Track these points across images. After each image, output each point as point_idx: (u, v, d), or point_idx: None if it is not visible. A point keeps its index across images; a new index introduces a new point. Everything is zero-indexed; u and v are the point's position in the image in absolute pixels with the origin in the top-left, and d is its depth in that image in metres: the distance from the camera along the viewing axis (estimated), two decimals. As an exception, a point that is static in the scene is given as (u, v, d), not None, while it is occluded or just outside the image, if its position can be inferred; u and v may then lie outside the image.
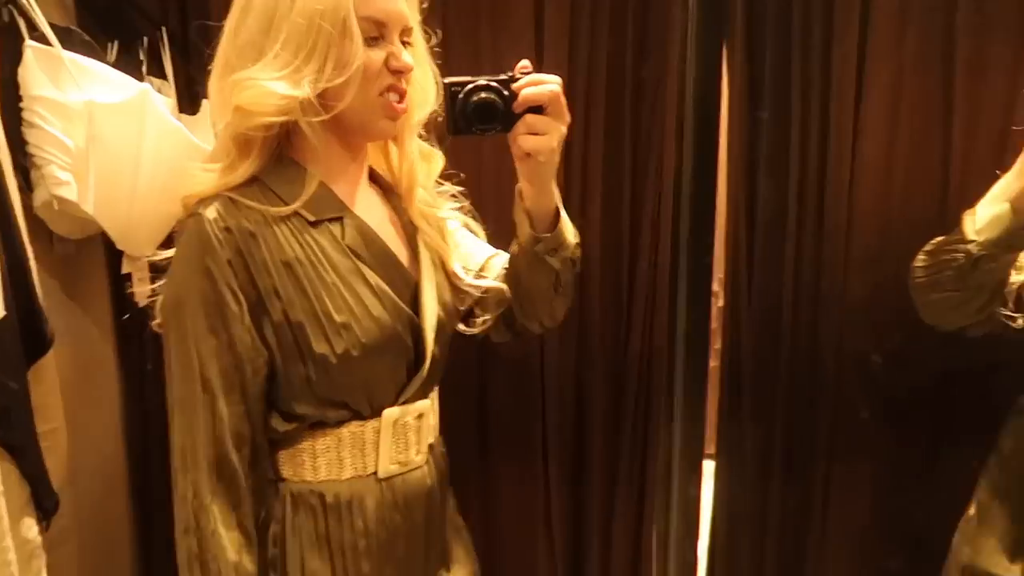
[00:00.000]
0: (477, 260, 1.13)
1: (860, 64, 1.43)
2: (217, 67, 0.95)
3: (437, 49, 1.07)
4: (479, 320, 1.12)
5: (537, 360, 1.57)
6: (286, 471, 0.99)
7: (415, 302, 1.02)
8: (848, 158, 1.45)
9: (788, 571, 1.62)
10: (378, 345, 0.96)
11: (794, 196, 1.48)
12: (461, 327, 1.11)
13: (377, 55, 0.95)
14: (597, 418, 1.59)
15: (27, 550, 1.00)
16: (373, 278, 0.98)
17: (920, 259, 1.20)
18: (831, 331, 1.52)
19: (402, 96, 0.98)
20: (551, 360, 1.56)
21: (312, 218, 0.95)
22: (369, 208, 1.03)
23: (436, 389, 1.10)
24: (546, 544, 1.64)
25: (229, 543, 0.92)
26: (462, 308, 1.11)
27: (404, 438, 1.02)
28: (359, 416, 0.99)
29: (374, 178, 1.08)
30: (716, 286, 1.60)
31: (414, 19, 1.01)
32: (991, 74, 1.39)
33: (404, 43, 0.99)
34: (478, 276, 1.12)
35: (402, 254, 1.04)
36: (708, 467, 1.65)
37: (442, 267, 1.09)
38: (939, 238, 1.19)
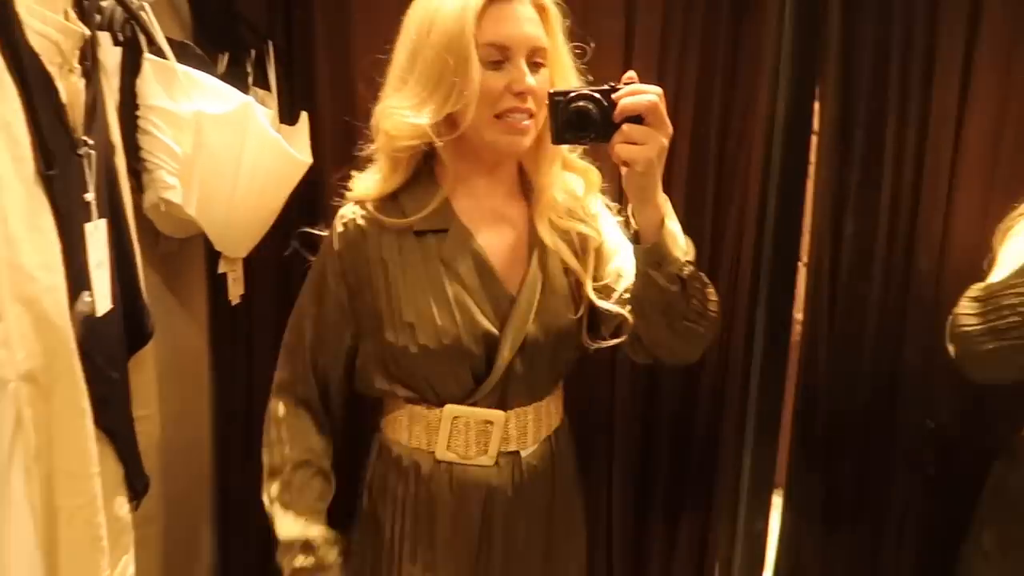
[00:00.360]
0: (625, 280, 1.12)
1: (960, 107, 1.37)
2: (383, 92, 1.09)
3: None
4: (605, 337, 1.14)
5: (608, 382, 1.57)
6: (381, 423, 1.21)
7: (506, 317, 1.10)
8: (943, 204, 1.40)
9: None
10: (436, 350, 1.08)
11: (883, 237, 1.43)
12: (592, 343, 1.15)
13: (498, 79, 1.03)
14: (664, 444, 1.58)
15: (117, 527, 1.07)
16: (453, 289, 1.08)
17: (968, 306, 1.11)
18: (913, 373, 1.47)
19: (529, 115, 1.05)
20: (622, 382, 1.56)
21: (418, 229, 1.10)
22: (494, 222, 1.13)
23: (534, 406, 1.16)
24: (604, 569, 1.64)
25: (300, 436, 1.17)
26: (585, 324, 1.15)
27: (464, 436, 1.13)
28: (425, 401, 1.14)
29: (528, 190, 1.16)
30: (797, 316, 1.57)
31: (552, 39, 1.06)
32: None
33: (536, 63, 1.05)
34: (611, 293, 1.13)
35: (510, 271, 1.11)
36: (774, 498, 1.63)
37: (564, 287, 1.14)
38: (984, 283, 1.11)
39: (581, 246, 1.15)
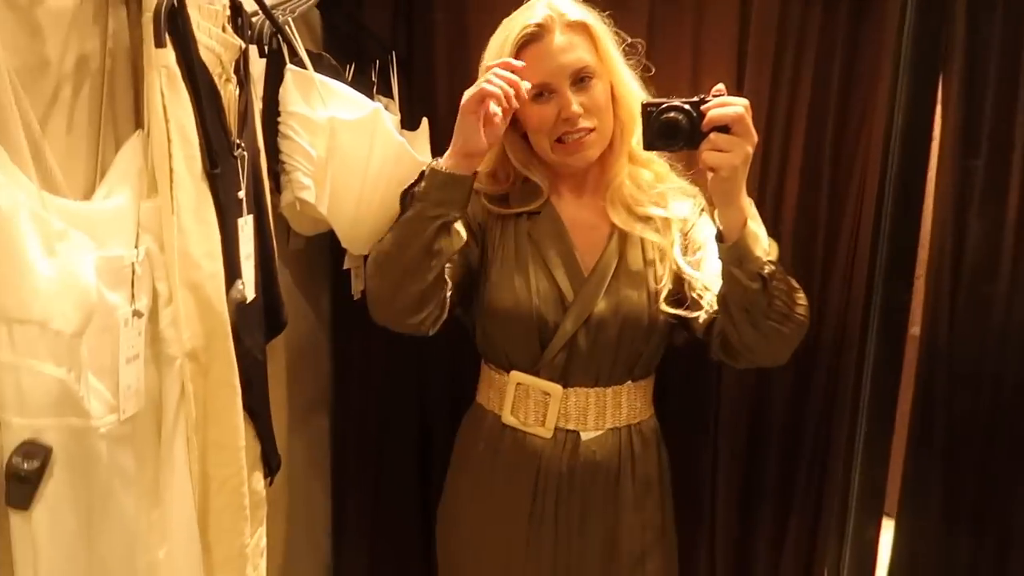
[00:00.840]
0: (710, 270, 1.20)
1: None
2: None
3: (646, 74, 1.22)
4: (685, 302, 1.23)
5: (714, 384, 1.57)
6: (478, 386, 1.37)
7: (578, 292, 1.22)
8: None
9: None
10: (512, 312, 1.23)
11: (1009, 242, 1.39)
12: (668, 308, 1.23)
13: (548, 110, 1.18)
14: (773, 450, 1.57)
15: (255, 500, 1.15)
16: (535, 263, 1.24)
17: None
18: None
19: (586, 131, 1.19)
20: (728, 384, 1.56)
21: (517, 211, 1.27)
22: (581, 212, 1.28)
23: (596, 390, 1.25)
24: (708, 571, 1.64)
25: None
26: (665, 312, 1.23)
27: (524, 403, 1.26)
28: (499, 365, 1.29)
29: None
30: (914, 330, 1.54)
31: (600, 50, 1.17)
32: None
33: (582, 80, 1.18)
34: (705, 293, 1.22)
35: (590, 254, 1.25)
36: (887, 525, 1.58)
37: (640, 276, 1.24)
38: None
39: (663, 226, 1.25)
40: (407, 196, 1.20)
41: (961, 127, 1.39)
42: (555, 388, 1.25)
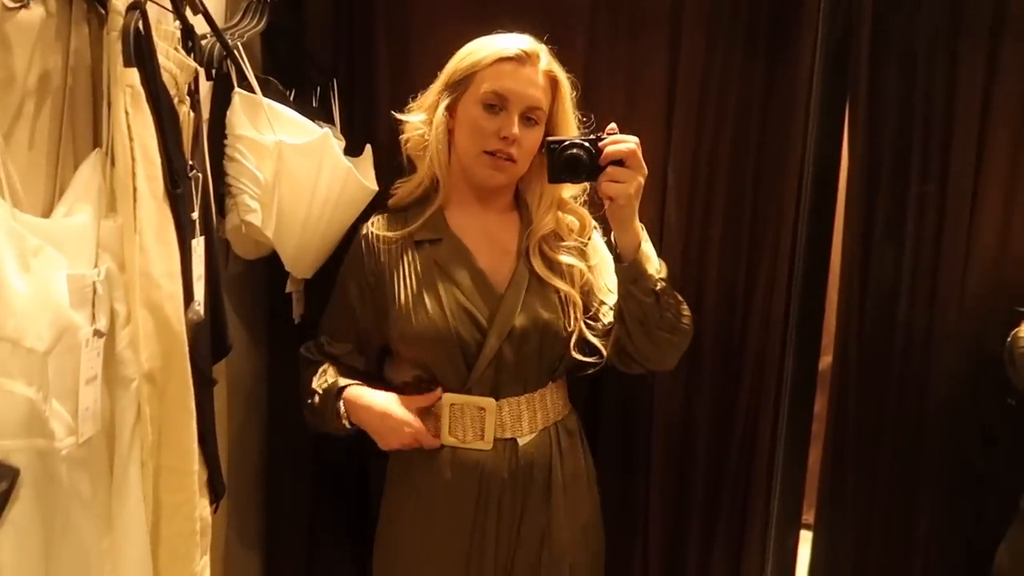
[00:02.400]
0: (613, 297, 1.33)
1: (979, 150, 1.48)
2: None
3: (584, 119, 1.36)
4: (595, 346, 1.34)
5: (647, 406, 1.63)
6: None
7: (495, 310, 1.28)
8: (964, 240, 1.49)
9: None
10: (432, 338, 1.27)
11: (908, 272, 1.52)
12: (580, 356, 1.33)
13: (492, 122, 1.26)
14: (701, 462, 1.65)
15: (200, 527, 1.12)
16: (446, 288, 1.29)
17: None
18: (938, 401, 1.55)
19: (510, 159, 1.27)
20: (660, 400, 1.63)
21: (418, 239, 1.33)
22: (486, 235, 1.35)
23: (526, 396, 1.32)
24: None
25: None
26: (573, 340, 1.32)
27: (461, 422, 1.30)
28: (430, 389, 1.32)
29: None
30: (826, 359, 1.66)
31: (559, 106, 1.30)
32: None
33: (530, 119, 1.28)
34: (601, 307, 1.35)
35: (499, 274, 1.32)
36: (805, 536, 1.68)
37: (551, 296, 1.32)
38: None
39: (570, 275, 1.35)
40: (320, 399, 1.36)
41: (865, 161, 1.53)
42: (488, 402, 1.30)
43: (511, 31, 1.31)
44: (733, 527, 1.65)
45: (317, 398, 1.35)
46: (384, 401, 1.32)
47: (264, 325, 1.63)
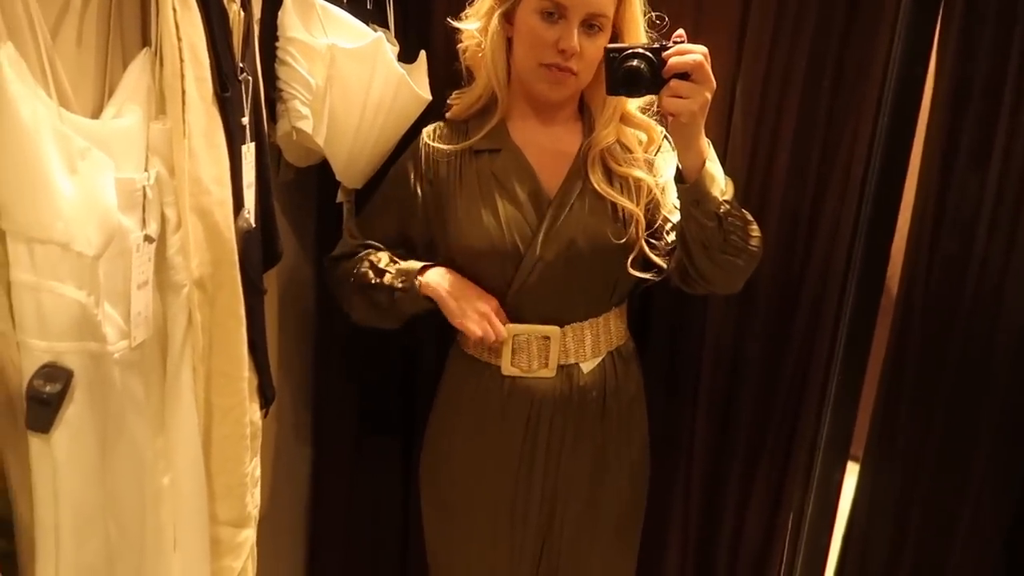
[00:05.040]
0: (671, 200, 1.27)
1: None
2: None
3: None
4: (654, 263, 1.28)
5: (699, 325, 1.60)
6: (457, 337, 1.38)
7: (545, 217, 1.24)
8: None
9: (926, 569, 1.60)
10: (483, 248, 1.25)
11: (988, 211, 1.43)
12: (635, 271, 1.27)
13: (550, 32, 1.17)
14: (750, 392, 1.62)
15: (252, 430, 1.15)
16: (501, 198, 1.25)
17: None
18: (1008, 340, 1.48)
19: (570, 72, 1.19)
20: (712, 328, 1.59)
21: (477, 148, 1.28)
22: (546, 145, 1.29)
23: (591, 322, 1.29)
24: (681, 510, 1.70)
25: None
26: (632, 254, 1.26)
27: (526, 352, 1.28)
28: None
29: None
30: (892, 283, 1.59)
31: (626, 9, 1.20)
32: None
33: (592, 26, 1.18)
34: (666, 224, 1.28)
35: (555, 182, 1.27)
36: (854, 469, 1.66)
37: (608, 207, 1.26)
38: None
39: (634, 189, 1.28)
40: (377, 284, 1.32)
41: (952, 85, 1.41)
42: (553, 330, 1.27)
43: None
44: (777, 457, 1.63)
45: (387, 276, 1.30)
46: (464, 279, 1.28)
47: (314, 234, 1.62)
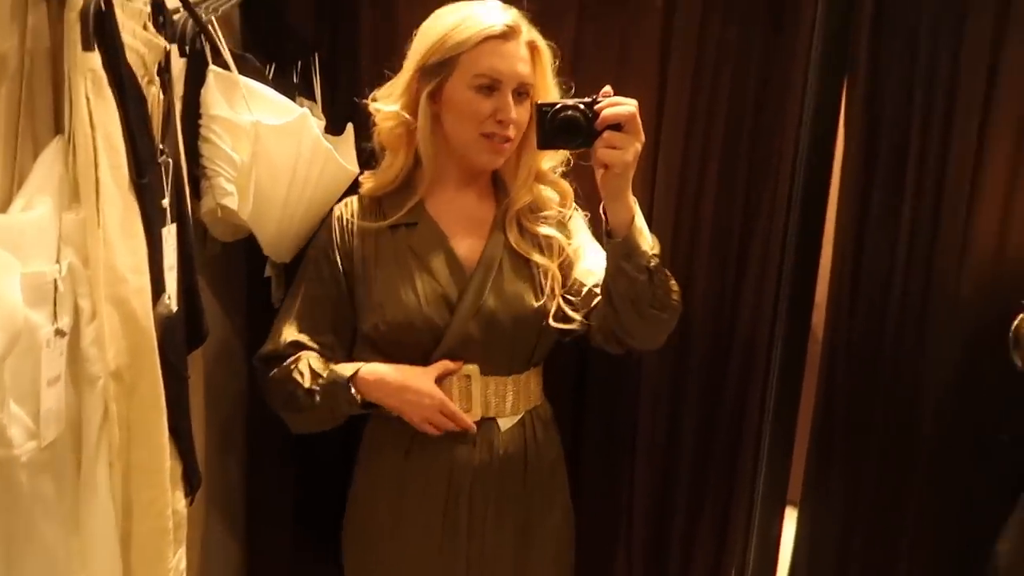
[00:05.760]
0: (595, 278, 1.28)
1: (981, 133, 1.44)
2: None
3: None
4: (572, 318, 1.29)
5: (632, 384, 1.61)
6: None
7: (465, 290, 1.24)
8: (962, 220, 1.47)
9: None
10: (403, 323, 1.24)
11: (903, 251, 1.50)
12: (556, 323, 1.28)
13: (487, 104, 1.21)
14: (687, 450, 1.63)
15: (176, 520, 1.10)
16: (419, 272, 1.25)
17: None
18: (930, 391, 1.53)
19: (507, 139, 1.23)
20: (647, 388, 1.61)
21: (393, 224, 1.29)
22: (463, 218, 1.30)
23: (513, 377, 1.29)
24: (625, 567, 1.68)
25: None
26: (551, 312, 1.28)
27: (448, 393, 1.24)
28: None
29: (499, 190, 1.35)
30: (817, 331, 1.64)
31: (541, 76, 1.24)
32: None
33: (520, 95, 1.22)
34: (580, 288, 1.30)
35: (473, 255, 1.27)
36: (792, 514, 1.68)
37: (526, 275, 1.28)
38: None
39: (548, 247, 1.30)
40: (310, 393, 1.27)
41: (862, 145, 1.49)
42: (473, 369, 1.26)
43: (509, 3, 1.26)
44: (718, 507, 1.65)
45: (318, 389, 1.25)
46: (398, 375, 1.24)
47: (245, 308, 1.59)
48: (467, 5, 1.23)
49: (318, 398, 1.25)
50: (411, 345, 1.26)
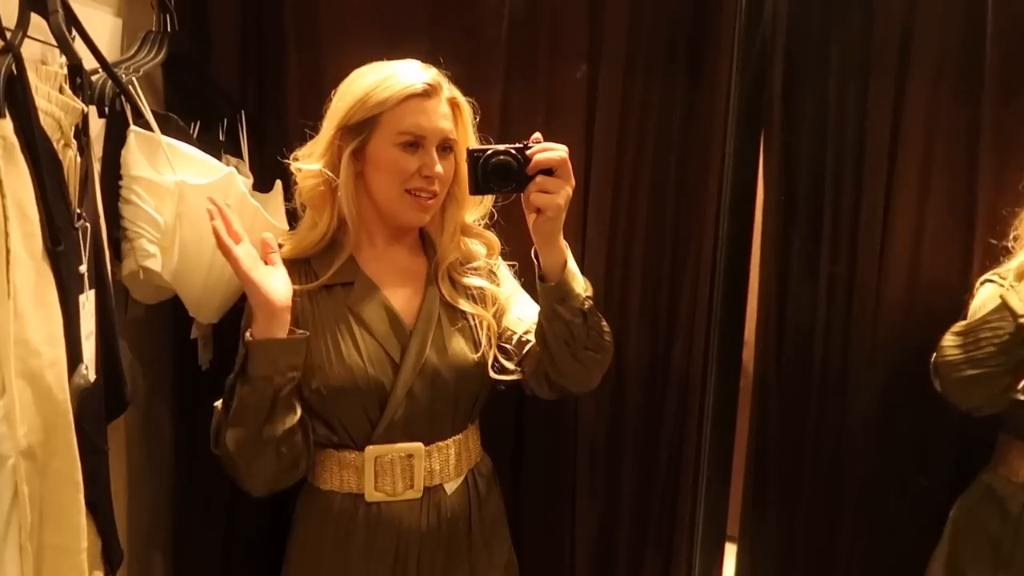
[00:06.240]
0: (526, 324, 1.28)
1: (889, 175, 1.52)
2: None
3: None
4: (510, 369, 1.27)
5: (571, 432, 1.62)
6: (309, 475, 1.26)
7: (406, 348, 1.22)
8: (876, 261, 1.53)
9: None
10: (344, 386, 1.19)
11: (824, 292, 1.55)
12: (496, 375, 1.27)
13: (411, 161, 1.20)
14: (626, 494, 1.64)
15: (95, 603, 1.04)
16: (359, 331, 1.22)
17: (951, 340, 1.31)
18: (857, 421, 1.58)
19: (433, 195, 1.22)
20: (584, 435, 1.61)
21: (328, 284, 1.24)
22: (397, 274, 1.28)
23: (455, 439, 1.27)
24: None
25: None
26: (489, 363, 1.27)
27: (390, 473, 1.23)
28: (346, 444, 1.23)
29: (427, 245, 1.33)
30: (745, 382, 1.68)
31: (463, 131, 1.25)
32: (1016, 176, 1.46)
33: (444, 150, 1.23)
34: (512, 336, 1.29)
35: (411, 312, 1.26)
36: (732, 549, 1.70)
37: (464, 328, 1.27)
38: (966, 320, 1.31)
39: (480, 297, 1.31)
40: (230, 388, 1.16)
41: (780, 195, 1.55)
42: (416, 447, 1.23)
43: (428, 62, 1.27)
44: (660, 548, 1.65)
45: (236, 370, 1.16)
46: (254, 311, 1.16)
47: (172, 372, 1.54)
48: (386, 64, 1.23)
49: (239, 381, 1.15)
50: (355, 408, 1.21)
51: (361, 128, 1.20)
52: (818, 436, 1.60)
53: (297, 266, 1.26)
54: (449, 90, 1.24)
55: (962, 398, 1.32)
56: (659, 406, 1.62)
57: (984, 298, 1.36)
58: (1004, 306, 1.23)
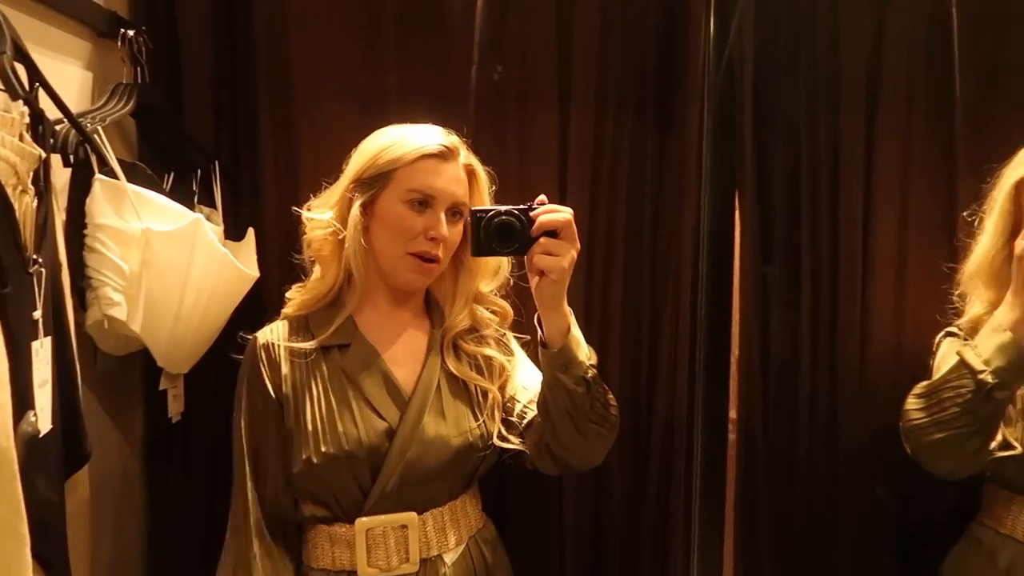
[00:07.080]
0: (529, 393, 1.23)
1: (866, 207, 1.51)
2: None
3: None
4: (512, 440, 1.21)
5: (556, 490, 1.57)
6: (302, 554, 1.20)
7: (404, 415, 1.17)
8: (858, 294, 1.51)
9: None
10: (338, 455, 1.13)
11: (807, 332, 1.53)
12: (499, 443, 1.22)
13: (418, 221, 1.17)
14: (615, 549, 1.58)
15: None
16: (354, 397, 1.16)
17: (914, 403, 1.24)
18: (847, 466, 1.54)
19: (436, 260, 1.18)
20: (570, 488, 1.57)
21: (324, 345, 1.19)
22: (397, 337, 1.23)
23: (450, 506, 1.20)
24: None
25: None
26: (490, 433, 1.21)
27: (384, 547, 1.15)
28: (337, 518, 1.16)
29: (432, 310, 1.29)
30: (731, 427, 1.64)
31: (478, 199, 1.22)
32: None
33: (455, 215, 1.20)
34: (515, 405, 1.23)
35: (411, 377, 1.20)
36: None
37: (466, 396, 1.22)
38: (928, 381, 1.25)
39: (487, 367, 1.25)
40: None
41: (756, 233, 1.54)
42: (410, 517, 1.16)
43: (401, 111, 1.27)
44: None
45: None
46: None
47: (143, 425, 1.51)
48: (408, 126, 1.21)
49: None
50: (346, 477, 1.14)
51: (373, 182, 1.17)
52: (808, 488, 1.55)
53: (297, 323, 1.22)
54: (467, 157, 1.22)
55: (933, 463, 1.26)
56: (643, 458, 1.58)
57: (944, 353, 1.32)
58: (962, 363, 1.18)
